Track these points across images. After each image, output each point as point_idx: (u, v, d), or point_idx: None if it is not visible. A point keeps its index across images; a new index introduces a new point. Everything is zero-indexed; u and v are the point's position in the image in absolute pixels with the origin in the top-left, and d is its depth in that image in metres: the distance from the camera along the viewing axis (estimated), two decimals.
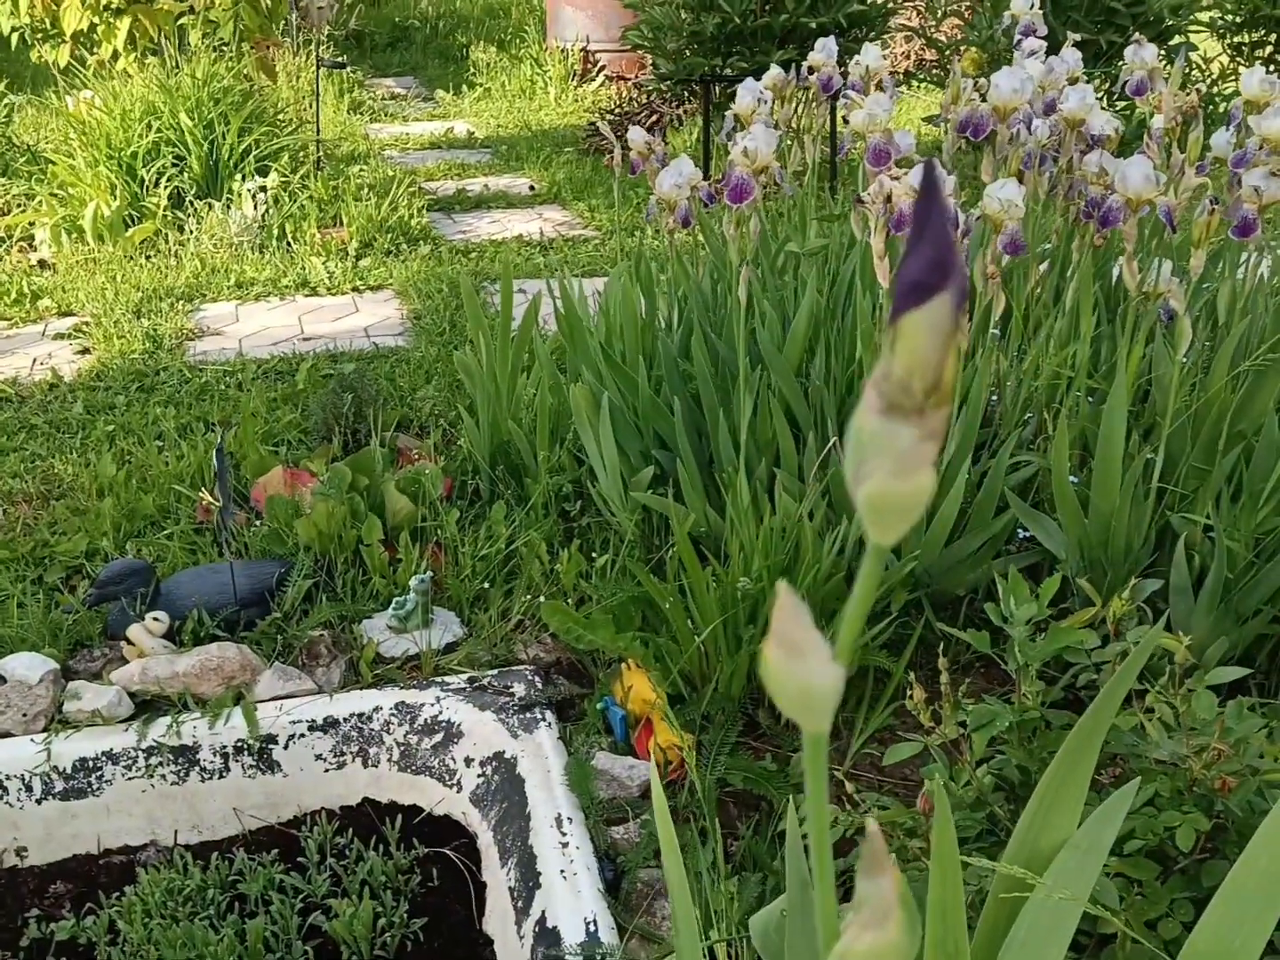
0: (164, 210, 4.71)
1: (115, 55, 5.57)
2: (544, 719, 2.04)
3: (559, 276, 2.73)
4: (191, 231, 4.67)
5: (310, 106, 7.32)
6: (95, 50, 5.67)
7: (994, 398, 2.32)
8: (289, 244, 4.68)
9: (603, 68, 8.22)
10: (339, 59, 6.04)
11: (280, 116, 5.47)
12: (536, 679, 2.14)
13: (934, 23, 5.91)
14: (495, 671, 2.16)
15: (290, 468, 2.70)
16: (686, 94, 6.08)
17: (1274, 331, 2.26)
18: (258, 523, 2.52)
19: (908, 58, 7.71)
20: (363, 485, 2.55)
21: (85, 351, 3.73)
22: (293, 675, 2.14)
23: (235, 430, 2.89)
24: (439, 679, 2.15)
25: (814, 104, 2.93)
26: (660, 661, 2.01)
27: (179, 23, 5.57)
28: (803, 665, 0.45)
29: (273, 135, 5.13)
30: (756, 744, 1.99)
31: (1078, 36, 2.98)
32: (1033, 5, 2.99)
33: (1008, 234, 1.97)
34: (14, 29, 5.60)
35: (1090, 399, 2.26)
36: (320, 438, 2.94)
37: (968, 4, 6.04)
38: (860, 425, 0.43)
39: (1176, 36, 5.85)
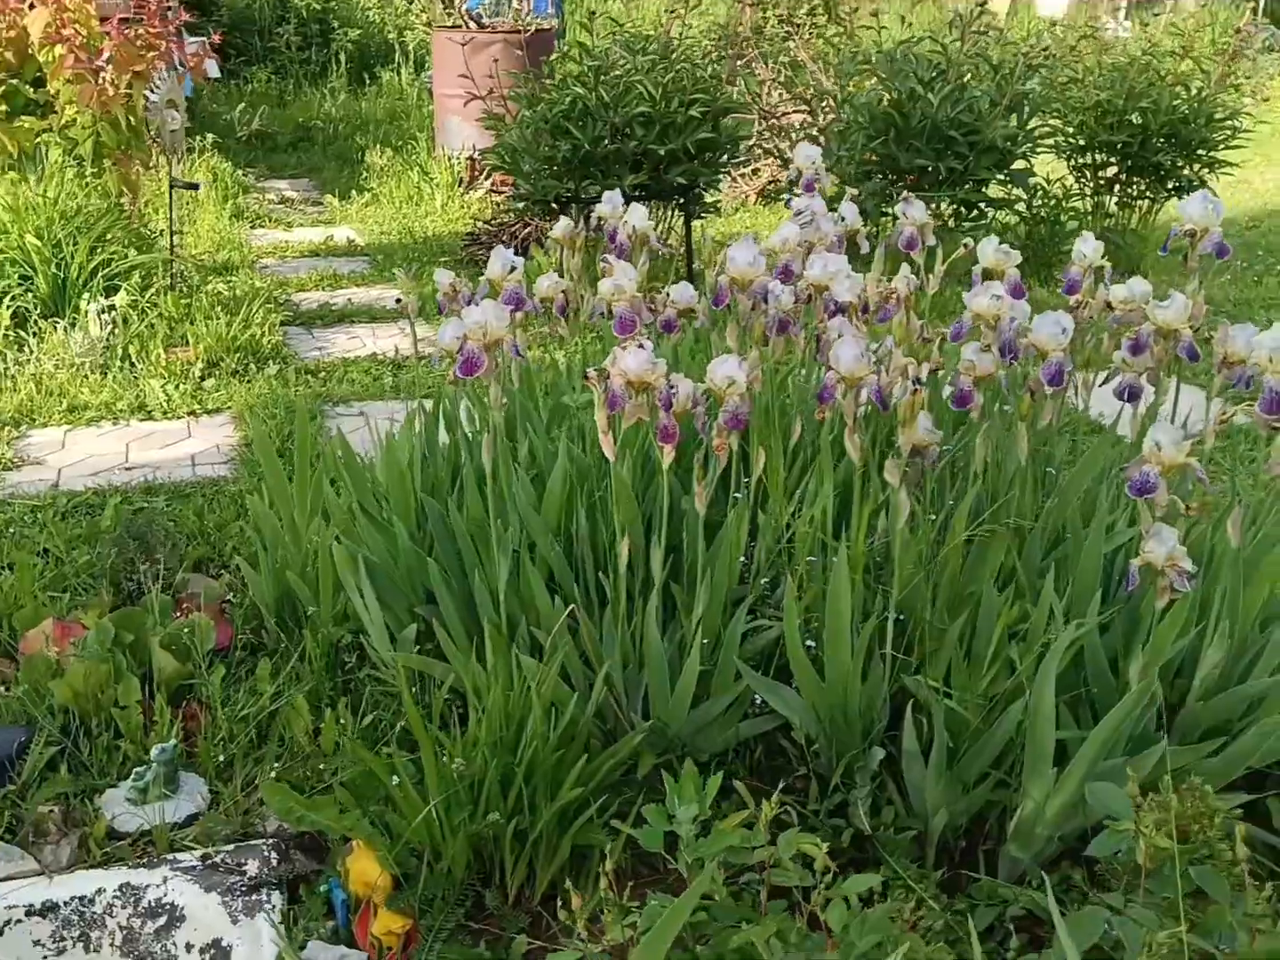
0: (5, 330, 4.66)
1: None
2: (269, 901, 2.00)
3: (403, 398, 2.70)
4: (32, 351, 4.62)
5: (180, 220, 7.35)
6: None
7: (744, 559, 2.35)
8: (133, 365, 4.64)
9: (489, 177, 8.34)
10: (193, 180, 6.06)
11: (138, 233, 5.46)
12: (273, 855, 2.10)
13: (788, 145, 6.08)
14: (231, 847, 2.12)
15: (60, 620, 2.65)
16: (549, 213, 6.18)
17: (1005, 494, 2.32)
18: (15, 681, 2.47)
19: (773, 181, 7.93)
20: (127, 641, 2.51)
21: None
22: (15, 855, 2.07)
23: (12, 579, 2.83)
24: (172, 856, 2.10)
25: (603, 253, 2.99)
26: (393, 838, 1.99)
27: (39, 139, 5.57)
28: None
29: (125, 253, 5.12)
30: (481, 926, 1.96)
31: (855, 191, 3.09)
32: (814, 161, 3.09)
33: (729, 409, 2.01)
34: None
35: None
36: (109, 583, 2.89)
37: (820, 130, 6.24)
38: None
39: (1019, 161, 6.07)
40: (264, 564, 2.70)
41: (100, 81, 5.44)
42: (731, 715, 2.23)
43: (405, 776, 1.94)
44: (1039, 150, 6.37)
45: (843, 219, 2.86)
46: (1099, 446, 2.48)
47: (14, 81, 5.64)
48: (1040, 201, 6.57)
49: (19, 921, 2.01)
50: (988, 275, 2.51)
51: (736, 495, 2.29)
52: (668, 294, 2.62)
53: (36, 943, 2.01)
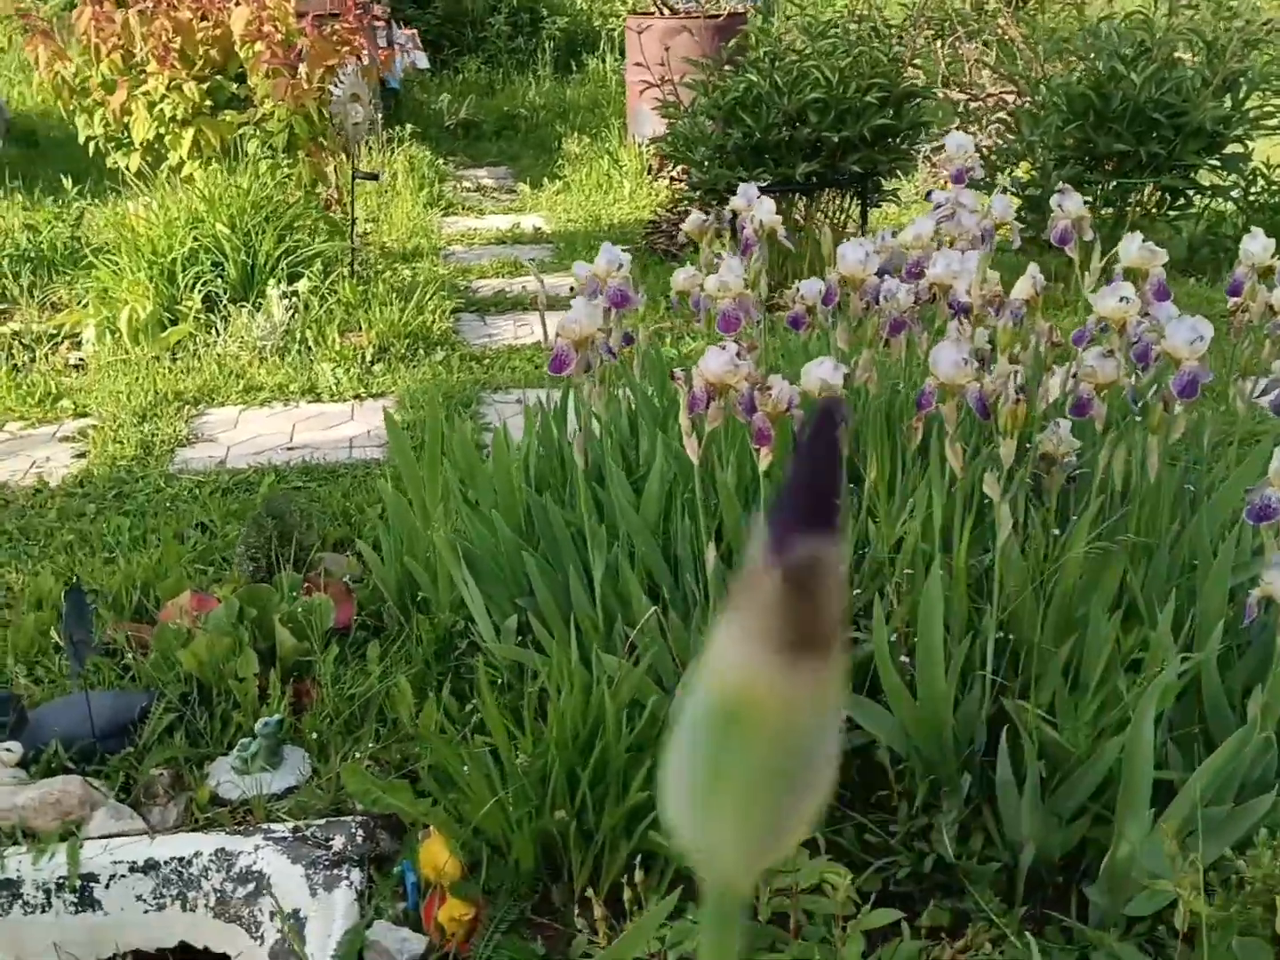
0: (197, 314, 4.94)
1: (181, 162, 5.89)
2: (348, 878, 2.05)
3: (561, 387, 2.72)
4: (219, 334, 4.89)
5: (376, 209, 7.62)
6: (166, 157, 6.00)
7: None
8: (309, 348, 4.85)
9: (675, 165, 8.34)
10: (374, 171, 6.26)
11: (330, 220, 5.69)
12: (359, 832, 2.15)
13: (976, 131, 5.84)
14: (322, 821, 2.18)
15: (197, 593, 2.79)
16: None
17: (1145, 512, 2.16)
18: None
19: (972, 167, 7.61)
20: (252, 616, 2.62)
21: (81, 456, 3.92)
22: (125, 814, 2.19)
23: (160, 551, 3.00)
24: (266, 826, 2.18)
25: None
26: (465, 826, 2.01)
27: (239, 132, 5.86)
28: None
29: (310, 241, 5.35)
30: (545, 920, 1.96)
31: (1008, 184, 2.93)
32: (965, 149, 2.95)
33: None
34: (89, 138, 5.98)
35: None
36: (249, 559, 3.02)
37: (1011, 114, 5.97)
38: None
39: (1234, 145, 5.65)
40: (386, 547, 2.78)
41: (295, 76, 5.69)
42: None
43: (476, 766, 1.96)
44: (1260, 132, 5.91)
45: (970, 214, 2.72)
46: (1248, 464, 2.28)
47: (219, 77, 5.95)
48: (1261, 188, 6.11)
49: (123, 876, 2.12)
50: (1130, 275, 2.34)
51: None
52: (797, 289, 2.55)
53: (139, 897, 2.13)
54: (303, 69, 5.73)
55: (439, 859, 1.96)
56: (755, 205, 2.61)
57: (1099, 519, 2.04)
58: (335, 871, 2.07)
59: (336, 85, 5.12)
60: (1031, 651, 2.09)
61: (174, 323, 5.00)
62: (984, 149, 6.11)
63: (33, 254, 5.69)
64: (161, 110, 5.73)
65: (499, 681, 2.49)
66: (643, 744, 2.02)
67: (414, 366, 4.78)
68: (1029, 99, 5.91)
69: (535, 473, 2.62)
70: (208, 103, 5.84)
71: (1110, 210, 5.82)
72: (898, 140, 5.50)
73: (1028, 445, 2.39)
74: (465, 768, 1.97)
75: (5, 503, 3.57)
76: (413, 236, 7.31)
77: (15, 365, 4.70)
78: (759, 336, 2.40)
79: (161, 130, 5.79)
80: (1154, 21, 5.53)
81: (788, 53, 5.33)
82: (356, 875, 2.07)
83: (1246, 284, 2.37)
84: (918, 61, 5.90)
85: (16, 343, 4.92)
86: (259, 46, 5.63)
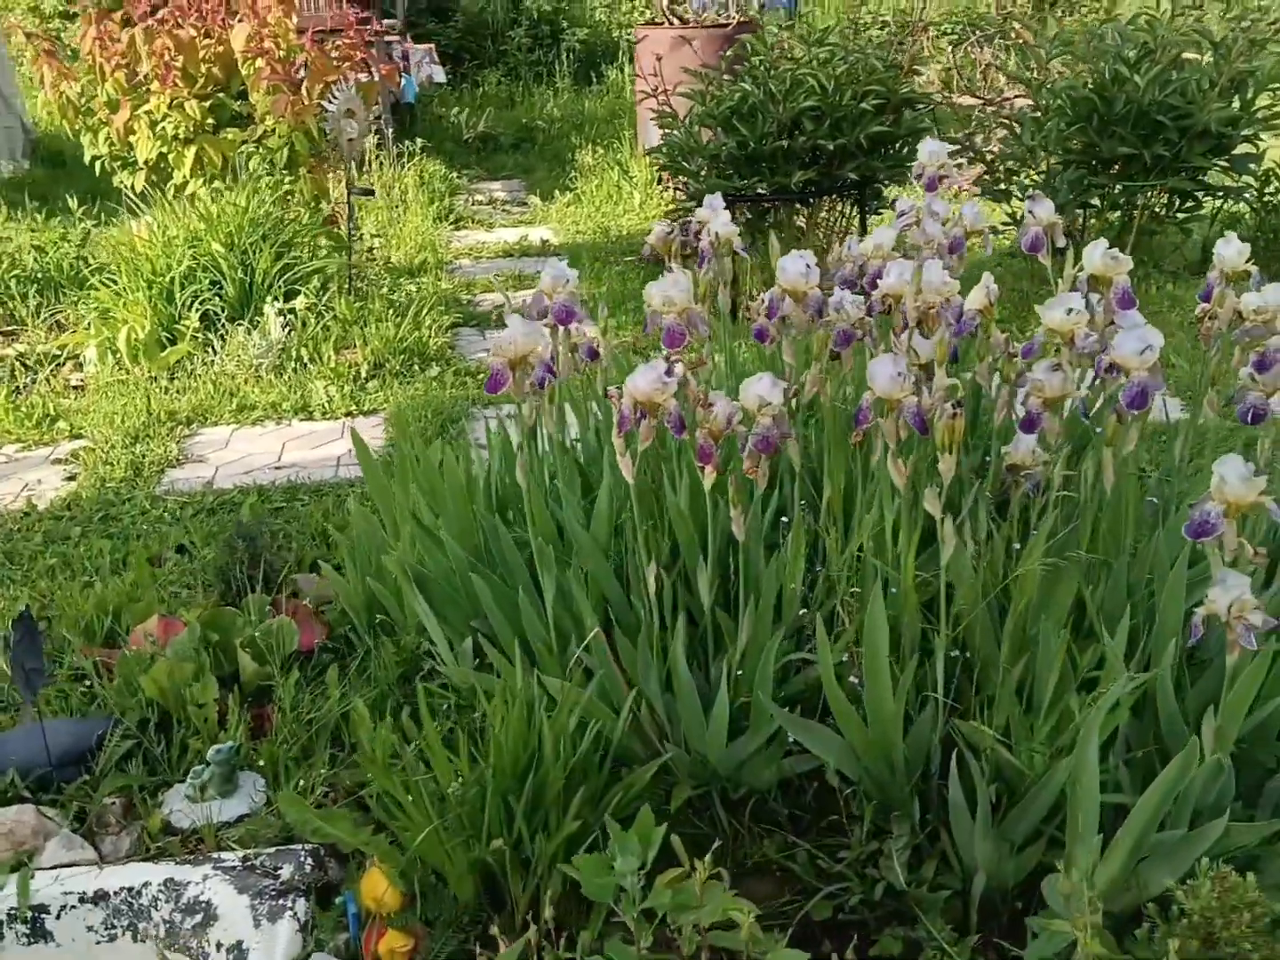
0: (194, 333, 4.96)
1: (185, 181, 5.92)
2: (292, 908, 2.03)
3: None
4: (216, 353, 4.90)
5: (385, 224, 7.64)
6: (170, 175, 6.04)
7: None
8: (305, 366, 4.85)
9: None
10: (369, 187, 6.27)
11: (333, 235, 5.71)
12: (308, 861, 2.13)
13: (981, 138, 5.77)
14: (272, 850, 2.16)
15: (165, 617, 2.78)
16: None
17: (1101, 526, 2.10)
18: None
19: (988, 172, 7.55)
20: (213, 640, 2.61)
21: (71, 479, 3.94)
22: (77, 844, 2.18)
23: (133, 575, 2.99)
24: (216, 855, 2.16)
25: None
26: (405, 856, 1.98)
27: (241, 149, 5.89)
28: None
29: (311, 257, 5.36)
30: (485, 953, 1.92)
31: (977, 190, 2.89)
32: (938, 157, 2.90)
33: (759, 431, 1.90)
34: (95, 157, 6.03)
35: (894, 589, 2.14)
36: (221, 582, 3.01)
37: (1013, 118, 5.90)
38: None
39: (1244, 146, 5.56)
40: (350, 569, 2.76)
41: (297, 93, 5.71)
42: (775, 751, 2.11)
43: (417, 794, 1.93)
44: (1273, 132, 5.80)
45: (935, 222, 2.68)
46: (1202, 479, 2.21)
47: (221, 95, 5.98)
48: (1275, 189, 5.99)
49: (74, 907, 2.10)
50: (1095, 282, 2.28)
51: (784, 520, 2.17)
52: (762, 300, 2.51)
53: (90, 928, 2.11)
54: (305, 85, 5.75)
55: (379, 889, 1.93)
56: (713, 217, 2.58)
57: (1054, 534, 1.98)
58: (280, 902, 2.04)
59: (331, 101, 5.13)
60: (987, 670, 2.05)
61: (173, 342, 5.03)
62: (989, 154, 6.04)
63: (40, 275, 5.74)
64: (164, 129, 5.77)
65: (450, 705, 2.46)
66: (587, 768, 1.99)
67: (408, 383, 4.77)
68: (1031, 103, 5.84)
69: (500, 493, 2.60)
70: (210, 120, 5.87)
71: (1117, 214, 5.74)
72: (897, 147, 5.44)
73: (987, 459, 2.35)
74: (410, 796, 1.94)
75: None
76: (420, 251, 7.32)
77: (16, 388, 4.74)
78: (709, 352, 2.36)
79: (164, 149, 5.83)
80: (1159, 21, 5.44)
81: (782, 61, 5.29)
82: (302, 905, 2.04)
83: (1216, 289, 2.31)
84: (918, 68, 5.84)
85: (19, 364, 4.96)
86: (259, 63, 5.65)
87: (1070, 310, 1.95)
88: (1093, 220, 5.77)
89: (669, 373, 1.88)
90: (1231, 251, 2.34)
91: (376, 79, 6.57)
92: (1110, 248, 2.28)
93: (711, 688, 2.11)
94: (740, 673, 2.06)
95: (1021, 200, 5.93)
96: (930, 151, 2.95)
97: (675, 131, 5.52)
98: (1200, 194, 5.69)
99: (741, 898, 1.55)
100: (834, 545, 2.15)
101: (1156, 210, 5.75)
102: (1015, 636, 2.00)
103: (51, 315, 5.52)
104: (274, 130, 5.87)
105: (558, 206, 8.94)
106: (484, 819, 1.88)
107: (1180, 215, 5.80)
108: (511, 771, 1.92)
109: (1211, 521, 1.63)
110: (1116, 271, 2.24)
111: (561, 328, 2.30)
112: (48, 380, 4.83)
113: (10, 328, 5.56)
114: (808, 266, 2.14)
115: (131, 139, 5.88)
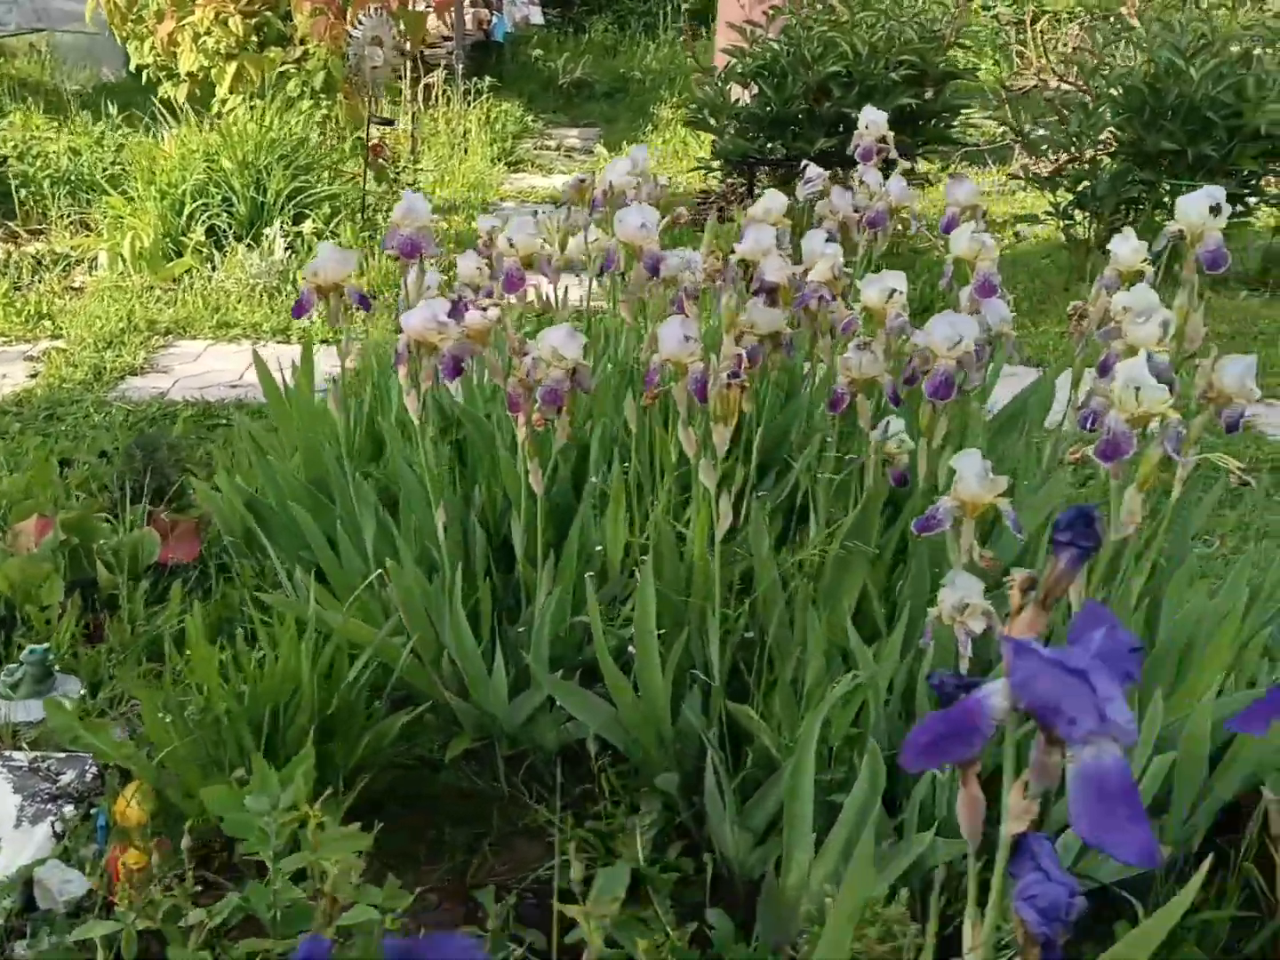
0: (198, 246, 5.01)
1: (226, 98, 5.97)
2: (57, 814, 2.04)
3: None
4: (216, 269, 4.95)
5: (443, 159, 7.62)
6: (214, 91, 6.10)
7: None
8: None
9: None
10: (390, 117, 6.25)
11: (344, 166, 5.72)
12: (92, 770, 2.14)
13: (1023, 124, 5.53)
14: (62, 755, 2.18)
15: (44, 517, 2.81)
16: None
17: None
18: None
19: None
20: (73, 545, 2.63)
21: (34, 376, 4.01)
22: None
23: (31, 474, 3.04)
24: (7, 754, 2.19)
25: None
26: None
27: (280, 70, 5.92)
28: None
29: (331, 182, 5.38)
30: (221, 880, 1.92)
31: (906, 165, 2.76)
32: (877, 126, 2.77)
33: (548, 383, 1.84)
34: (140, 66, 6.12)
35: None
36: (118, 489, 3.04)
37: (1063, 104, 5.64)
38: None
39: None
40: (228, 488, 2.76)
41: (340, 17, 5.71)
42: (559, 714, 2.06)
43: (177, 713, 1.92)
44: None
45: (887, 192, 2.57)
46: (1056, 480, 2.09)
47: (268, 14, 6.01)
48: None
49: None
50: (959, 266, 2.17)
51: (593, 480, 2.11)
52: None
53: None
54: (351, 10, 5.74)
55: (122, 804, 1.93)
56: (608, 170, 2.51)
57: (833, 521, 1.89)
58: (47, 806, 2.06)
59: (357, 27, 5.11)
60: (782, 656, 1.97)
61: (179, 254, 5.09)
62: (1039, 139, 5.80)
63: (73, 177, 5.85)
64: (205, 43, 5.82)
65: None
66: (354, 708, 1.96)
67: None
68: (1083, 87, 5.58)
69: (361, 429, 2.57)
70: (253, 38, 5.90)
71: (1159, 213, 5.47)
72: (930, 122, 5.25)
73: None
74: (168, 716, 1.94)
75: None
76: (470, 190, 7.30)
77: (16, 285, 4.84)
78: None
79: (206, 63, 5.88)
80: (1221, 10, 5.15)
81: (818, 21, 5.13)
82: (70, 812, 2.05)
83: (1099, 290, 2.17)
84: (966, 41, 5.61)
85: (32, 262, 5.07)
86: None
87: (887, 289, 1.84)
88: (1135, 220, 5.50)
89: (451, 314, 1.82)
90: (1126, 249, 2.20)
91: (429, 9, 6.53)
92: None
93: (504, 644, 2.07)
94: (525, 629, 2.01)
95: (1069, 191, 5.70)
96: (870, 120, 2.83)
97: (705, 87, 5.39)
98: (1253, 200, 5.39)
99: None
100: (634, 517, 2.08)
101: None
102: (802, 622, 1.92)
103: (80, 217, 5.63)
104: (312, 53, 5.89)
105: (622, 157, 8.84)
106: (224, 744, 1.86)
107: (1230, 221, 5.49)
108: (272, 700, 1.90)
109: (939, 517, 1.53)
110: (982, 257, 2.12)
111: (405, 259, 2.27)
112: (53, 280, 4.92)
113: (41, 226, 5.69)
114: (643, 221, 2.05)
115: (175, 50, 5.95)
